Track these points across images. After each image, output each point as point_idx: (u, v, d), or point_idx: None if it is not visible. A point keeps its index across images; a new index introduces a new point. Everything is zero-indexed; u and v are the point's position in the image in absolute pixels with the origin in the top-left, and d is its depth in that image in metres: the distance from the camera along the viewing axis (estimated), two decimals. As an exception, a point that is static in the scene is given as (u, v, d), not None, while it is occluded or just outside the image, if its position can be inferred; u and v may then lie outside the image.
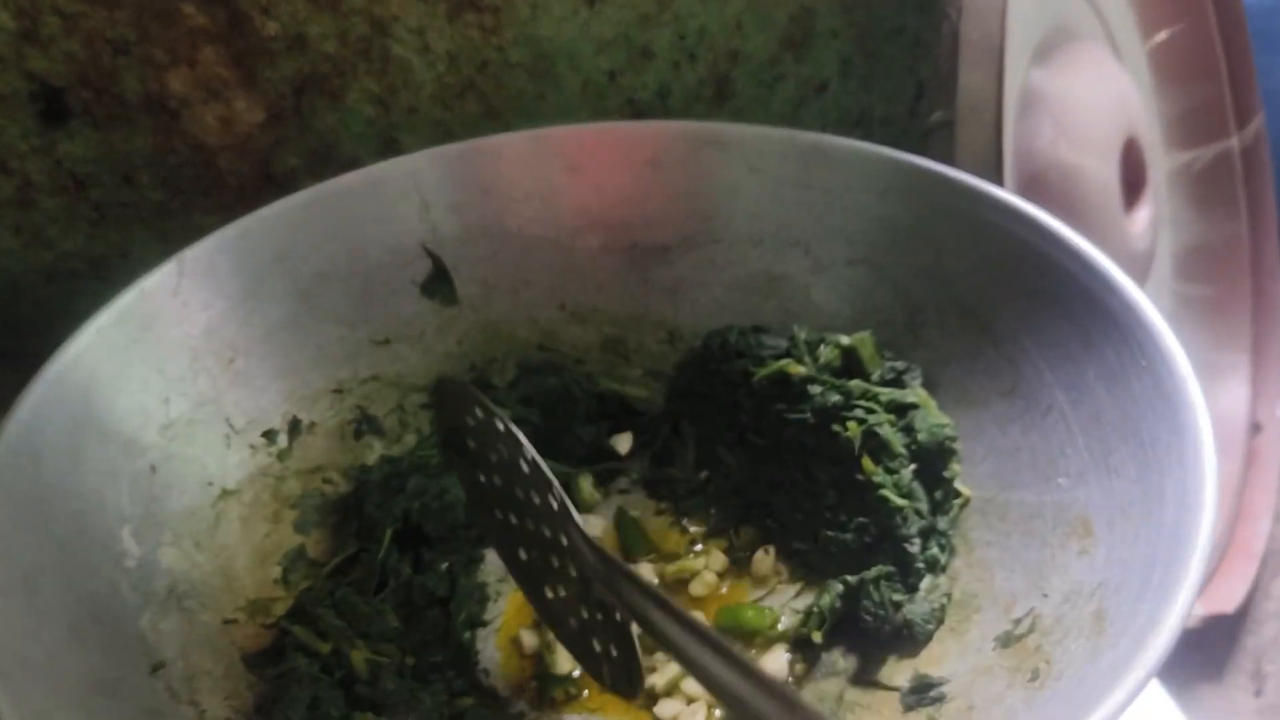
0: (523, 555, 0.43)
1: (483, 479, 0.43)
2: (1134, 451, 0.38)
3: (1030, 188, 0.66)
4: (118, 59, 0.59)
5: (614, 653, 0.40)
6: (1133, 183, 0.77)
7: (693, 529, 0.51)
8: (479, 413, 0.42)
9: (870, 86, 0.75)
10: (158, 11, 0.58)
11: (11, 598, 0.34)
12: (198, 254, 0.46)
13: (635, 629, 0.38)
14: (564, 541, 0.40)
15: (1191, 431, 0.35)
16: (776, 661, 0.44)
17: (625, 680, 0.40)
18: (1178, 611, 0.30)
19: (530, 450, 0.40)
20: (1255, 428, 0.88)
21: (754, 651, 0.46)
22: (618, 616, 0.39)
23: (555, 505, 0.40)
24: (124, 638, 0.38)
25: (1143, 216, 0.79)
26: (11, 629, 0.33)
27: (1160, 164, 0.89)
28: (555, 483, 0.39)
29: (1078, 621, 0.36)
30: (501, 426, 0.41)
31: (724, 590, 0.49)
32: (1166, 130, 0.93)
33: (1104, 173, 0.73)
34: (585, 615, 0.41)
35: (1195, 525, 0.32)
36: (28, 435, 0.38)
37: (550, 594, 0.42)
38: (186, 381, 0.45)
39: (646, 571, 0.49)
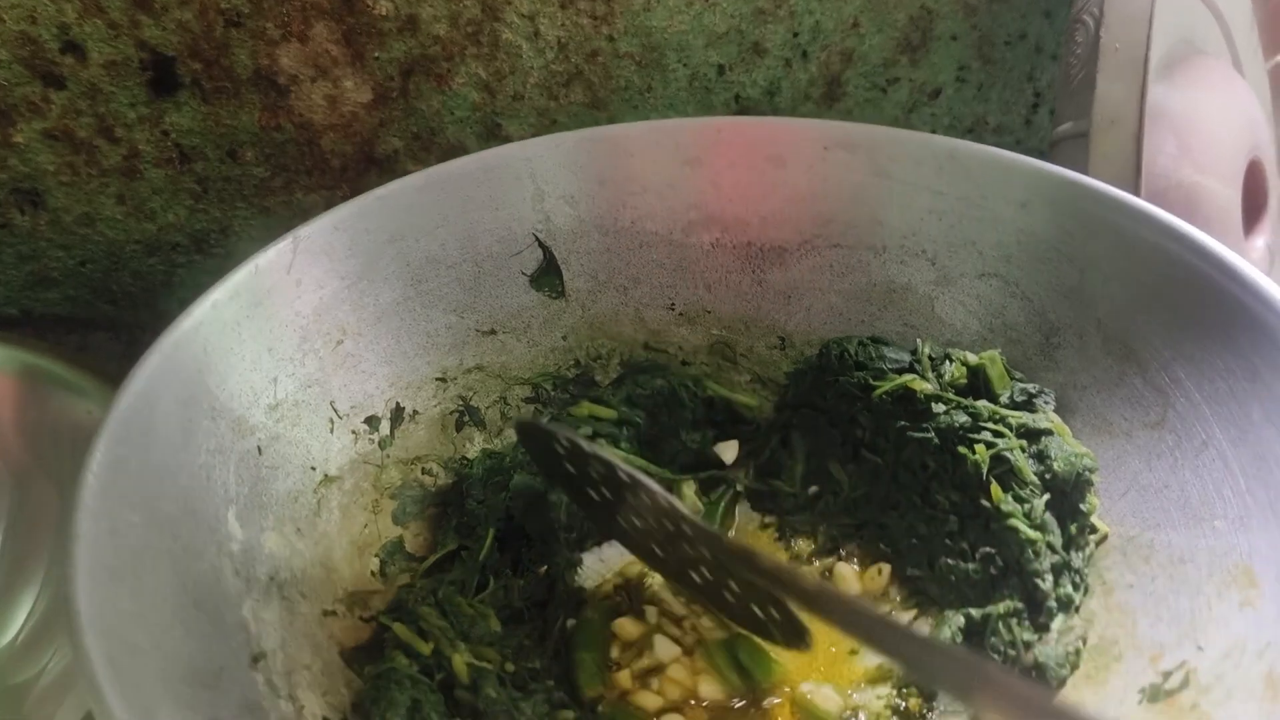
0: (659, 552, 0.44)
1: (594, 496, 0.44)
2: (1311, 498, 0.35)
3: (1151, 207, 0.63)
4: (229, 31, 0.58)
5: (775, 614, 0.41)
6: (1254, 206, 0.73)
7: (798, 545, 0.49)
8: (562, 444, 0.43)
9: (986, 94, 0.73)
10: (272, -17, 0.57)
11: (121, 582, 0.33)
12: (312, 232, 0.45)
13: None
14: (688, 532, 0.41)
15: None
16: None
17: (794, 634, 0.41)
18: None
19: (623, 468, 0.41)
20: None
21: (862, 684, 0.43)
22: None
23: (665, 505, 0.41)
24: (226, 626, 0.37)
25: (1261, 242, 0.76)
26: (121, 615, 0.32)
27: (1275, 189, 0.85)
28: (656, 489, 0.41)
29: (1244, 682, 0.33)
30: (587, 448, 0.42)
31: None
32: (1281, 155, 0.89)
33: (1227, 195, 0.70)
34: (736, 588, 0.42)
35: None
36: (141, 407, 0.37)
37: (697, 578, 0.43)
38: (295, 362, 0.44)
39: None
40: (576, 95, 0.65)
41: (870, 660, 0.44)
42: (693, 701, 0.43)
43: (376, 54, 0.61)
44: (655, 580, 0.47)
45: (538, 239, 0.51)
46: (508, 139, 0.65)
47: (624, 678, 0.44)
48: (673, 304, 0.53)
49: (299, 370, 0.44)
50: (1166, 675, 0.37)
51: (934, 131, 0.73)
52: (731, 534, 0.50)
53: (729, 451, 0.51)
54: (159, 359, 0.38)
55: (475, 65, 0.62)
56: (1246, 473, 0.38)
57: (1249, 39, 0.83)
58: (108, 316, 0.67)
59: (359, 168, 0.65)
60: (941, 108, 0.72)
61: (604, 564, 0.49)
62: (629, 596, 0.47)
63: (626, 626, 0.46)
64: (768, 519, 0.50)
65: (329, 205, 0.65)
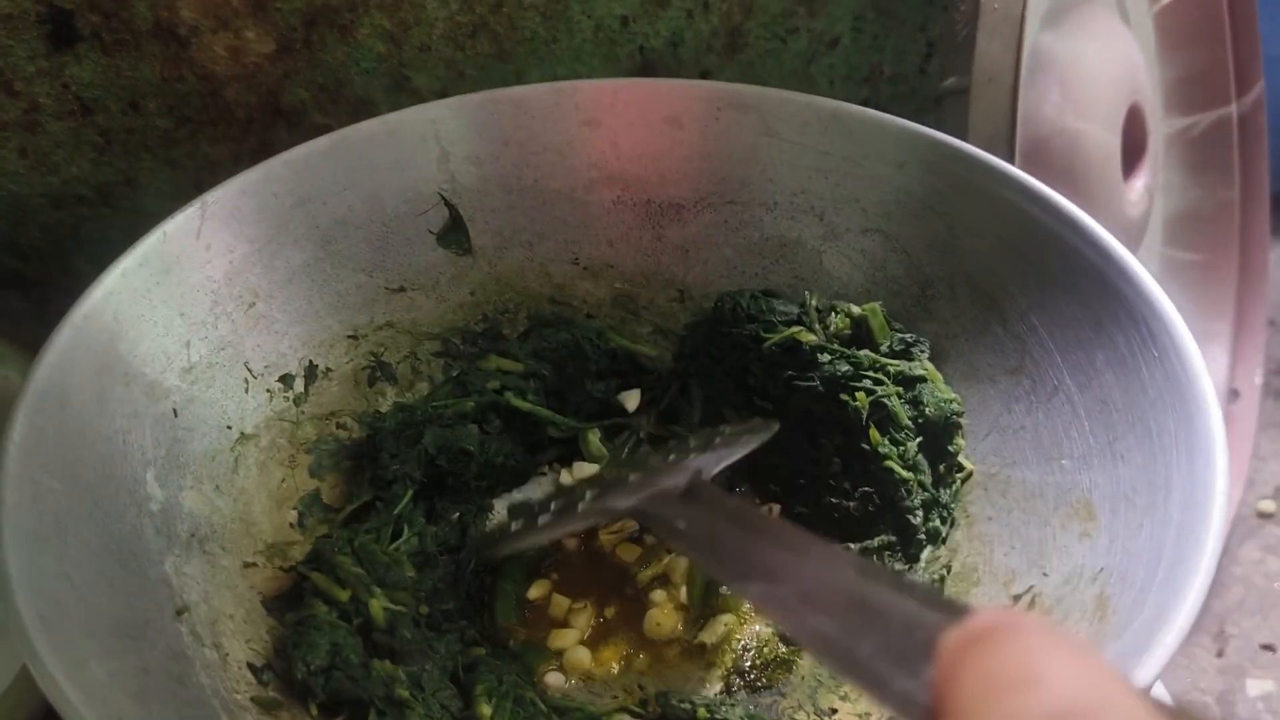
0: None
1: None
2: (1140, 439, 0.39)
3: (1033, 154, 0.67)
4: (127, -17, 0.58)
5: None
6: (1133, 150, 0.77)
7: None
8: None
9: (881, 44, 0.75)
10: (169, -65, 0.57)
11: (46, 544, 0.35)
12: (220, 197, 0.46)
13: None
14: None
15: (1203, 430, 0.36)
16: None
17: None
18: (1186, 612, 0.31)
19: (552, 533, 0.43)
20: (1233, 394, 0.90)
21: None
22: None
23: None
24: (149, 582, 0.39)
25: (1140, 184, 0.80)
26: (47, 575, 0.34)
27: (1159, 129, 0.89)
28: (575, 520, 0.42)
29: (1079, 604, 0.37)
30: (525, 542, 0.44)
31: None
32: (1166, 95, 0.93)
33: (1107, 140, 0.74)
34: None
35: (1204, 526, 0.33)
36: (56, 379, 0.38)
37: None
38: (208, 325, 0.46)
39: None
40: (483, 46, 0.65)
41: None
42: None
43: (278, 4, 0.61)
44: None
45: (443, 198, 0.52)
46: (416, 91, 0.66)
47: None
48: (576, 259, 0.55)
49: (212, 333, 0.46)
50: (1016, 599, 0.41)
51: (832, 81, 0.75)
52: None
53: (631, 400, 0.54)
54: (71, 331, 0.40)
55: (379, 16, 0.62)
56: (1091, 415, 0.43)
57: (1135, -15, 0.86)
58: (17, 273, 0.67)
59: (265, 119, 0.65)
60: (839, 57, 0.74)
61: (514, 509, 0.52)
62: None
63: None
64: (668, 462, 0.54)
65: (236, 157, 0.66)
